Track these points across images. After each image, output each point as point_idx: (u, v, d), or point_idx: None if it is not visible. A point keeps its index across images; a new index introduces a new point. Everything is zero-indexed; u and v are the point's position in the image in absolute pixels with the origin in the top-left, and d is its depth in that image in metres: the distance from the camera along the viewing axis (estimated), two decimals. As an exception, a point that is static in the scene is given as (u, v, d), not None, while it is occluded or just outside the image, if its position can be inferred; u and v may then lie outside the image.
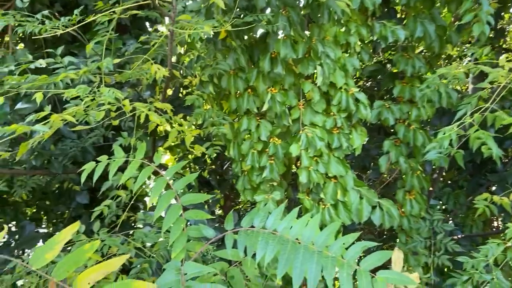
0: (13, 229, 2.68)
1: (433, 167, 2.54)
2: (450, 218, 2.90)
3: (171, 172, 1.43)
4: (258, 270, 1.56)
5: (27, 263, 0.97)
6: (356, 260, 1.03)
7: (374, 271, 1.00)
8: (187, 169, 3.18)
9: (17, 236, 2.56)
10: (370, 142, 2.95)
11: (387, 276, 1.00)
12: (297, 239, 1.09)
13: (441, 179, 2.98)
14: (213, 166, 3.33)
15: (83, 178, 1.37)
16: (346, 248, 1.05)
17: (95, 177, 1.37)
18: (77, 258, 1.11)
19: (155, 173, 1.39)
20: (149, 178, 2.57)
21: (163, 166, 2.87)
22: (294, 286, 1.00)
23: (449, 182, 3.14)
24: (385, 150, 2.24)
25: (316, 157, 2.04)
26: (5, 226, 1.19)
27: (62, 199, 2.79)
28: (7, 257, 1.07)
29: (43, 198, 2.87)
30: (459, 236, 2.65)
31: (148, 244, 1.93)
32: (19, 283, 1.80)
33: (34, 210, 2.94)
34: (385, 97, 2.83)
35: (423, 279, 2.06)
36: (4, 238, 2.62)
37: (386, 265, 1.12)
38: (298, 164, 2.12)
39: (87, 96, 1.44)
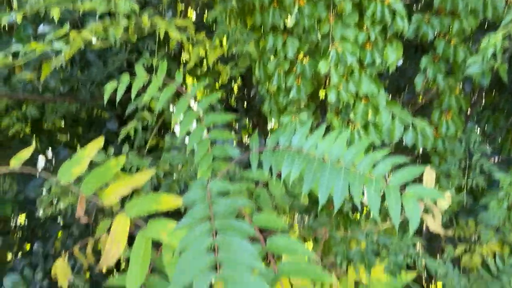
0: (50, 157, 2.79)
1: (473, 86, 2.38)
2: (488, 142, 2.78)
3: (194, 91, 1.39)
4: (284, 189, 1.56)
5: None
6: (386, 178, 0.98)
7: (404, 188, 0.95)
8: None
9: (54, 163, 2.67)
10: (405, 63, 2.78)
11: (417, 191, 0.95)
12: (323, 158, 1.05)
13: (481, 102, 2.82)
14: (240, 94, 3.28)
15: (105, 97, 1.36)
16: (374, 166, 1.00)
17: (118, 97, 1.36)
18: (104, 173, 1.13)
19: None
20: (175, 103, 2.55)
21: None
22: (320, 203, 0.98)
23: (489, 105, 2.97)
24: (422, 68, 2.08)
25: (346, 75, 1.93)
26: (34, 143, 1.21)
27: (93, 127, 2.86)
28: (44, 176, 1.10)
29: (74, 125, 2.94)
30: (496, 159, 2.56)
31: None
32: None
33: (68, 138, 3.03)
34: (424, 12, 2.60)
35: (455, 199, 2.02)
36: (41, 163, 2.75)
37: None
38: (327, 83, 2.03)
39: (103, 6, 1.38)
